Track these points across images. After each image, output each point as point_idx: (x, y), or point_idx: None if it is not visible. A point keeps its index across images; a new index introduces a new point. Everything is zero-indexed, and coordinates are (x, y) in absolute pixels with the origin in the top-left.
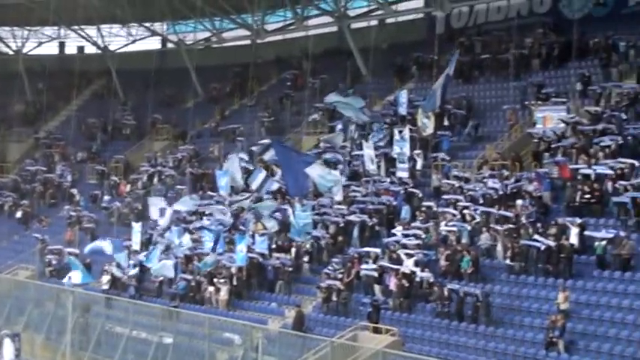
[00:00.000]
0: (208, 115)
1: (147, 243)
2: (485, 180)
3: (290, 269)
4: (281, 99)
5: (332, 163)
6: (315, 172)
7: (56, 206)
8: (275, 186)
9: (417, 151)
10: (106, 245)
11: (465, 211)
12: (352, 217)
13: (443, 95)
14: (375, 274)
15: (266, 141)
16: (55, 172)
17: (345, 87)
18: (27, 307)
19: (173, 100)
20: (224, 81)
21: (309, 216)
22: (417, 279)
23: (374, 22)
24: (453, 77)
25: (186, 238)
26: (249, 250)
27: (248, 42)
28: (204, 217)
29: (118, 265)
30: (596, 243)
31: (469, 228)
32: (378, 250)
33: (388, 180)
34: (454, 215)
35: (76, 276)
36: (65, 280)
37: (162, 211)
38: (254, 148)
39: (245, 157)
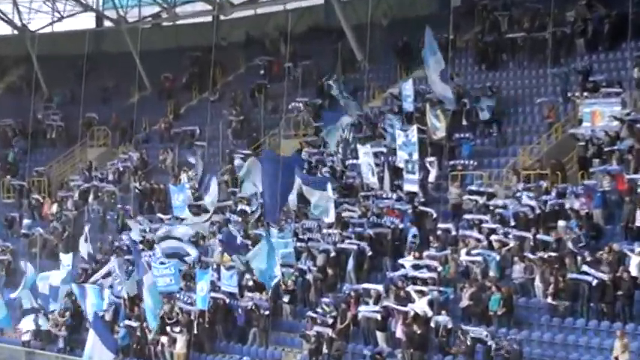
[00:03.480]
0: (158, 113)
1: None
2: (518, 195)
3: (266, 313)
4: (252, 92)
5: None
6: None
7: None
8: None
9: (429, 159)
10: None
11: (493, 236)
12: (346, 245)
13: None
14: (378, 317)
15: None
16: None
17: (337, 76)
18: None
19: (113, 95)
20: (178, 69)
21: (290, 244)
22: (432, 324)
23: None
24: (476, 62)
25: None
26: (214, 288)
27: (209, 19)
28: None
29: (42, 310)
30: None
31: (498, 257)
32: (380, 287)
33: (393, 196)
34: (479, 241)
35: None
36: None
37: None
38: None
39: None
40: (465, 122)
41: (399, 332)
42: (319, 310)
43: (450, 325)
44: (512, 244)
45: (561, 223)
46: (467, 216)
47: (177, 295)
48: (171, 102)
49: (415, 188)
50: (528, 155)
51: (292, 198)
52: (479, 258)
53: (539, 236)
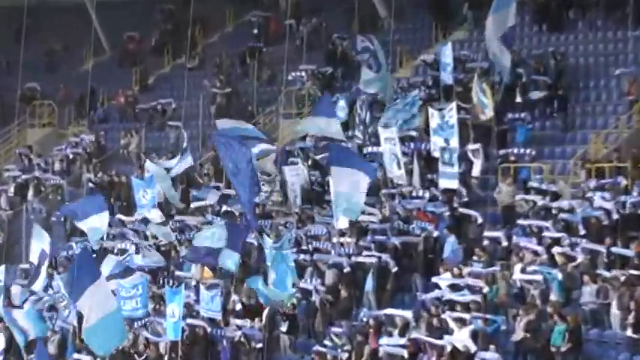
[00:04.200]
0: (120, 83)
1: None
2: (588, 195)
3: (259, 346)
4: (243, 57)
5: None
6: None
7: None
8: None
9: (472, 146)
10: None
11: (556, 248)
12: (364, 258)
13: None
14: (404, 353)
15: None
16: None
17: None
18: None
19: (61, 60)
20: (146, 27)
21: (289, 257)
22: None
23: None
24: (535, 21)
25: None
26: (190, 313)
27: None
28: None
29: None
30: None
31: (562, 276)
32: (408, 314)
33: (425, 194)
34: (537, 254)
35: None
36: None
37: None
38: None
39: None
40: (519, 99)
41: None
42: (328, 342)
43: None
44: (580, 258)
45: None
46: (522, 221)
47: (143, 322)
48: (137, 69)
49: (454, 185)
50: (602, 143)
51: (295, 194)
52: (537, 277)
53: (615, 249)
